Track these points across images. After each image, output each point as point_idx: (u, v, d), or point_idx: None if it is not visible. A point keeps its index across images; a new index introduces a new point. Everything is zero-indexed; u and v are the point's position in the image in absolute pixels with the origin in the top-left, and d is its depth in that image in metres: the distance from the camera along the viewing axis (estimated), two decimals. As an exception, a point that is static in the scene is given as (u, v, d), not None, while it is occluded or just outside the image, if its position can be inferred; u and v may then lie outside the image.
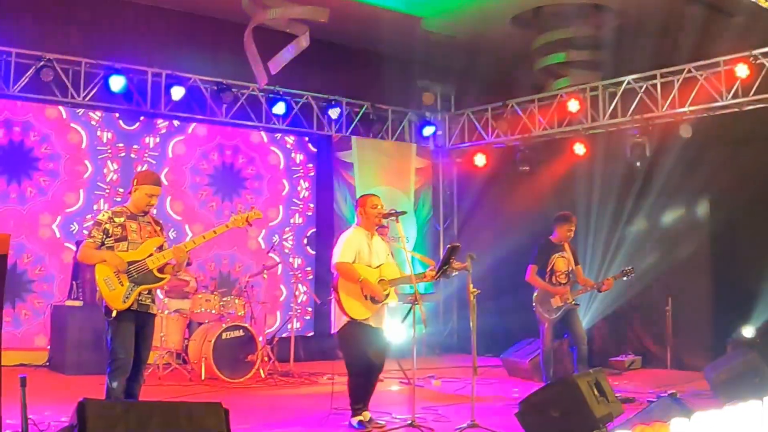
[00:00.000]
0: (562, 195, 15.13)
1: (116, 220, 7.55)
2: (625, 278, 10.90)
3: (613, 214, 14.93)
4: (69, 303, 12.82)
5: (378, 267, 8.61)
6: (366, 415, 8.61)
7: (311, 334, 16.20)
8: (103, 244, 7.47)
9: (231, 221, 7.98)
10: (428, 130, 17.87)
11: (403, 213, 8.71)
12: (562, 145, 15.85)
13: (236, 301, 12.75)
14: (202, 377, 11.93)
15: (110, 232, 7.49)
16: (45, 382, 11.61)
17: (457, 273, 8.59)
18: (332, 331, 8.70)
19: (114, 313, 7.34)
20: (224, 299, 12.69)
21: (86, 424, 5.53)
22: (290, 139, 16.94)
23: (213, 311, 12.52)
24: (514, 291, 12.42)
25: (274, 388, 11.81)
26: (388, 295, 8.58)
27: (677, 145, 13.78)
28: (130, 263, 7.41)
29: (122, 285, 7.35)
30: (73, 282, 12.91)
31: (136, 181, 7.76)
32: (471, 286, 8.43)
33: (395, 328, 13.35)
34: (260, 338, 12.68)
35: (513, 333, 14.17)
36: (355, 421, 8.52)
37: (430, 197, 18.14)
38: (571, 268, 10.91)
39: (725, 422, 5.47)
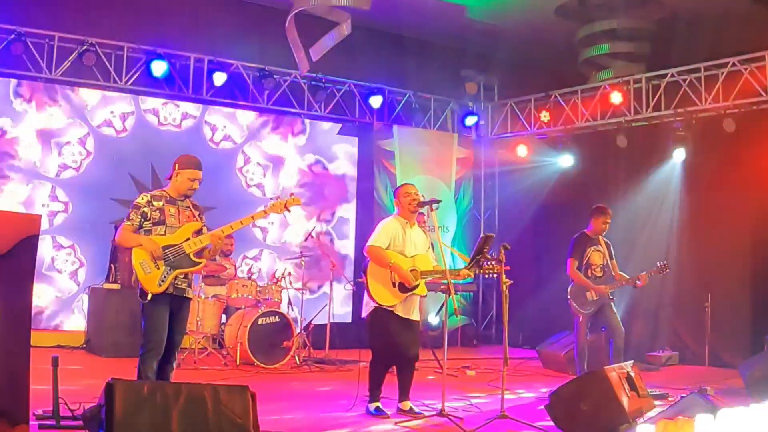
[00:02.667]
0: (604, 187, 15.02)
1: (155, 203, 7.57)
2: (660, 273, 10.81)
3: (654, 208, 14.81)
4: (107, 286, 12.93)
5: (412, 257, 8.58)
6: (406, 405, 8.65)
7: (348, 321, 16.21)
8: (141, 227, 7.51)
9: (269, 207, 7.96)
10: (470, 120, 17.81)
11: (438, 201, 8.66)
12: (604, 137, 15.73)
13: (273, 287, 12.79)
14: (237, 362, 11.98)
15: (148, 215, 7.51)
16: (81, 364, 11.71)
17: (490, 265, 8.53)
18: (362, 316, 8.72)
19: (149, 296, 7.38)
20: (261, 285, 12.74)
21: (113, 403, 5.60)
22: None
23: (250, 297, 12.55)
24: (554, 282, 12.37)
25: (307, 375, 11.83)
26: (418, 286, 8.55)
27: (720, 139, 13.63)
28: (166, 247, 7.44)
29: (158, 269, 7.37)
30: (111, 265, 13.01)
31: (177, 165, 7.73)
32: (504, 276, 8.37)
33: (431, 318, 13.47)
34: (296, 325, 12.69)
35: (552, 325, 14.10)
36: (372, 406, 8.56)
37: (471, 187, 18.09)
38: (606, 262, 10.83)
39: (751, 420, 5.41)
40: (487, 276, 8.42)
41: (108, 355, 12.22)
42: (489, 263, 8.34)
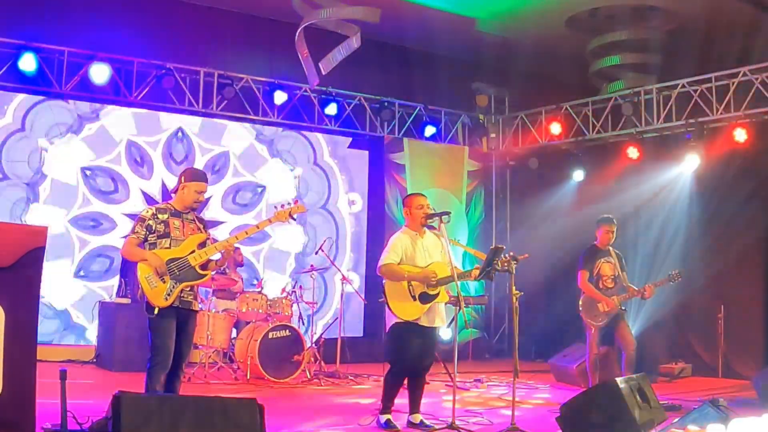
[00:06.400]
0: (615, 199, 14.96)
1: (160, 216, 7.56)
2: (671, 282, 10.71)
3: (666, 219, 14.74)
4: (117, 300, 12.92)
5: (426, 267, 8.51)
6: (417, 417, 8.60)
7: (360, 336, 16.16)
8: (146, 240, 7.50)
9: (274, 216, 7.95)
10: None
11: (448, 214, 8.61)
12: (615, 149, 15.69)
13: (283, 301, 12.75)
14: (248, 376, 11.94)
15: (153, 228, 7.51)
16: (91, 378, 11.71)
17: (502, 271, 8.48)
18: (386, 330, 8.66)
19: (156, 310, 7.38)
20: (271, 299, 12.70)
21: (120, 416, 5.56)
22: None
23: (260, 311, 12.50)
24: (567, 295, 12.31)
25: (318, 389, 11.79)
26: (438, 294, 8.50)
27: (731, 149, 13.57)
28: (171, 260, 7.42)
29: (164, 282, 7.37)
30: (122, 279, 13.00)
31: (183, 178, 7.75)
32: (514, 288, 8.33)
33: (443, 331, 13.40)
34: (307, 339, 12.65)
35: (564, 337, 14.03)
36: (383, 418, 8.48)
37: (483, 200, 18.06)
38: (617, 273, 10.76)
39: (763, 430, 5.35)
40: (499, 270, 8.33)
41: (118, 369, 12.18)
42: (497, 267, 8.29)
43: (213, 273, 7.98)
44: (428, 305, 8.42)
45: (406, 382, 8.68)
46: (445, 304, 8.79)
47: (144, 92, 14.10)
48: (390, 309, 8.42)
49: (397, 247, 8.51)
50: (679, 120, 14.42)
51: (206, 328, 11.91)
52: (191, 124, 15.06)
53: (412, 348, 8.39)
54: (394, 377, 8.56)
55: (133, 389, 6.12)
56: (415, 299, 8.38)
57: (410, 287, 8.39)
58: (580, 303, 10.88)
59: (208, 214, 14.54)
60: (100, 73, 13.46)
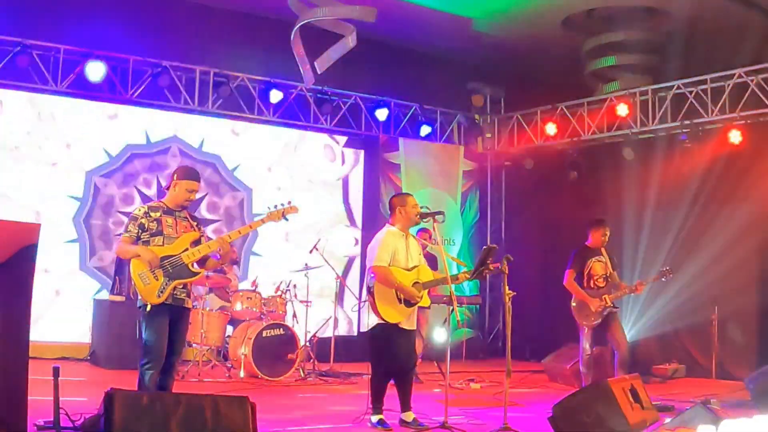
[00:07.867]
0: (611, 199, 14.98)
1: (152, 214, 7.55)
2: (663, 279, 10.73)
3: (660, 221, 14.75)
4: (111, 298, 12.89)
5: (413, 269, 8.55)
6: (409, 416, 8.58)
7: (353, 335, 16.14)
8: (139, 238, 7.48)
9: (267, 216, 7.93)
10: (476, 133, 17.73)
11: (441, 213, 8.63)
12: (611, 150, 15.70)
13: (278, 299, 12.74)
14: (242, 375, 11.95)
15: (146, 226, 7.49)
16: (85, 375, 11.70)
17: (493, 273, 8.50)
18: (362, 330, 8.67)
19: (148, 307, 7.37)
20: (266, 297, 12.70)
21: (113, 413, 5.58)
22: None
23: (254, 309, 12.50)
24: (561, 295, 12.32)
25: (312, 387, 11.80)
26: (421, 298, 8.53)
27: (727, 151, 13.58)
28: (165, 258, 7.40)
29: (157, 279, 7.35)
30: (116, 277, 12.99)
31: (176, 176, 7.75)
32: (507, 288, 8.34)
33: (437, 330, 13.41)
34: (300, 337, 12.64)
35: (558, 338, 14.03)
36: (374, 419, 8.49)
37: (478, 200, 18.06)
38: (609, 272, 10.77)
39: (754, 431, 5.36)
40: (491, 270, 8.35)
41: (112, 367, 12.18)
42: (490, 267, 8.31)
43: (209, 272, 7.95)
44: (411, 310, 8.50)
45: (394, 381, 8.69)
46: (439, 304, 8.80)
47: (139, 90, 14.08)
48: (376, 309, 8.42)
49: (387, 246, 8.50)
50: (674, 121, 14.45)
51: (201, 326, 11.92)
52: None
53: (395, 350, 8.44)
54: (379, 379, 8.59)
55: (126, 386, 6.12)
56: (400, 302, 8.41)
57: (398, 292, 8.41)
58: (573, 303, 10.89)
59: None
60: (95, 70, 13.44)
